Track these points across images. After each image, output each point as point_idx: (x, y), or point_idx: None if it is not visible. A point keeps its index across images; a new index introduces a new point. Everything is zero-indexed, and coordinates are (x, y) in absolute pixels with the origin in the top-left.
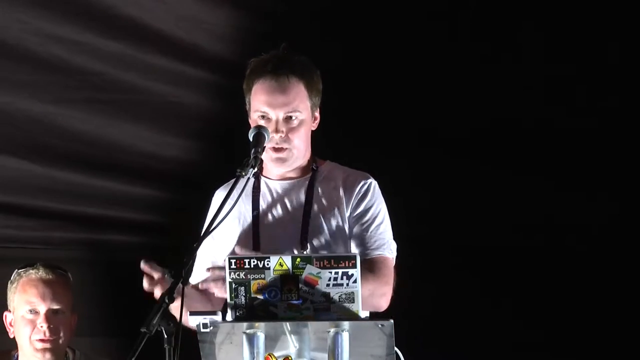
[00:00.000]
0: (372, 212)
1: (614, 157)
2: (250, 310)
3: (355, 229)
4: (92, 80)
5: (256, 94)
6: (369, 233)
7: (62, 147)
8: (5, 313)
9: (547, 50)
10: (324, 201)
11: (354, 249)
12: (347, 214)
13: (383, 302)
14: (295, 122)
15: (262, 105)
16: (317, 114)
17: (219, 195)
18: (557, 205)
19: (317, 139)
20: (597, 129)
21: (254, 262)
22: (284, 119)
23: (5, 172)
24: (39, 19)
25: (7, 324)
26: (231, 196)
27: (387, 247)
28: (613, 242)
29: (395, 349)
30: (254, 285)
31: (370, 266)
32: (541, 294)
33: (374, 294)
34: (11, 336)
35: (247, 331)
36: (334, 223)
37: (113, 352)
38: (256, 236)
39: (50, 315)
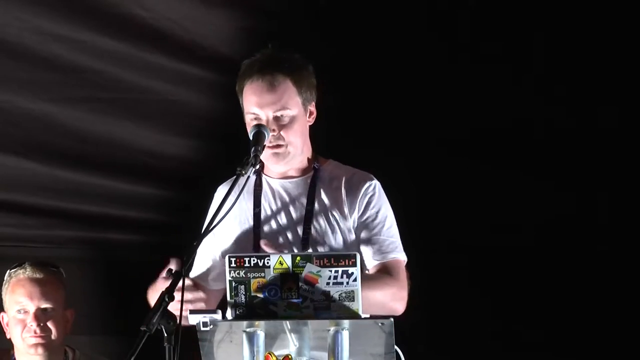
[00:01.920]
0: (381, 214)
1: (613, 157)
2: (250, 309)
3: (367, 233)
4: (92, 78)
5: (246, 95)
6: (382, 236)
7: (62, 145)
8: (2, 314)
9: (547, 50)
10: (326, 201)
11: (369, 254)
12: (354, 217)
13: (401, 305)
14: (286, 119)
15: (251, 106)
16: (312, 109)
17: (220, 191)
18: (557, 205)
19: (316, 138)
20: (597, 129)
21: (253, 260)
22: (274, 117)
23: (6, 170)
24: (38, 17)
25: (4, 325)
26: (232, 194)
27: (400, 249)
28: (613, 241)
29: (396, 347)
30: (254, 283)
31: (389, 270)
32: (541, 293)
33: (395, 298)
34: (8, 336)
35: (247, 330)
36: (335, 223)
37: (113, 350)
38: (257, 234)
39: (39, 314)
